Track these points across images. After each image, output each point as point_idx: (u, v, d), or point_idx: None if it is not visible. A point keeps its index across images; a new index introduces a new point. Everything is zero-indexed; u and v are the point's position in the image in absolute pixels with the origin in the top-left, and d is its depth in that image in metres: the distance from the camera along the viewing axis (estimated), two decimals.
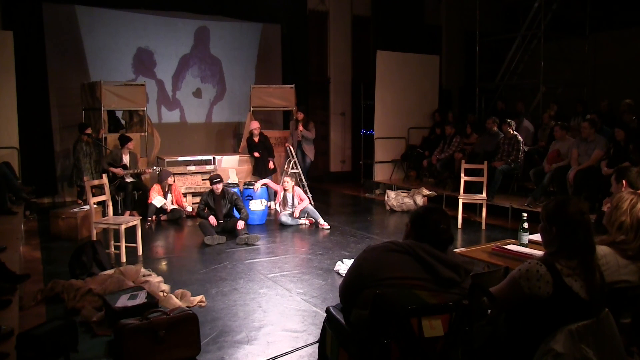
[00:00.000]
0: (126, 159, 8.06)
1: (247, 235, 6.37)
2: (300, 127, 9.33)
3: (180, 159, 9.02)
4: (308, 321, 3.94)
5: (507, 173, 7.75)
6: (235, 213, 6.92)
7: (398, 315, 1.92)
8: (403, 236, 2.37)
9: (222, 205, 6.83)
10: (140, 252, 5.77)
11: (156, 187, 7.73)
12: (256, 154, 8.95)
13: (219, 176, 6.98)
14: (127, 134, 8.42)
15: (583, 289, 2.09)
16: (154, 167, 8.14)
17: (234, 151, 10.29)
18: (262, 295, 4.50)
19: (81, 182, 7.88)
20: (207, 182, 8.64)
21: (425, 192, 8.27)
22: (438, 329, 1.95)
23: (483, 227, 7.04)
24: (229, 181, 8.50)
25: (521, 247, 3.70)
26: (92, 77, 9.25)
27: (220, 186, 6.83)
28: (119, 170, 7.80)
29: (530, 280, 2.10)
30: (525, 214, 3.90)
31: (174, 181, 8.12)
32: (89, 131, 8.22)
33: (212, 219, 6.55)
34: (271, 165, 8.95)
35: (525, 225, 3.83)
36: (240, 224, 6.57)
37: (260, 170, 8.92)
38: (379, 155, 10.29)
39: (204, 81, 10.79)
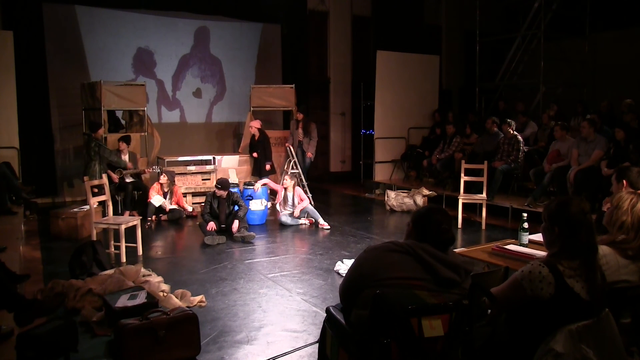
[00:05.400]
0: (125, 158, 8.05)
1: (245, 232, 6.41)
2: (302, 136, 9.30)
3: (180, 159, 9.01)
4: (308, 321, 3.94)
5: (507, 173, 7.75)
6: (236, 208, 6.93)
7: (398, 315, 1.92)
8: (404, 236, 2.37)
9: (225, 207, 6.82)
10: (140, 252, 5.77)
11: (155, 187, 7.73)
12: (254, 155, 8.95)
13: (226, 183, 6.88)
14: (126, 134, 8.41)
15: (584, 289, 2.09)
16: (154, 167, 8.12)
17: (234, 151, 10.29)
18: (262, 295, 4.50)
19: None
20: (207, 182, 8.69)
21: (425, 192, 8.27)
22: (438, 329, 1.95)
23: (483, 227, 7.04)
24: (229, 181, 8.47)
25: (521, 247, 3.70)
26: (92, 77, 9.24)
27: (222, 193, 6.78)
28: (114, 176, 7.77)
29: (533, 282, 2.10)
30: (525, 214, 3.90)
31: (174, 182, 8.11)
32: (101, 131, 8.08)
33: (211, 225, 6.52)
34: (267, 167, 8.87)
35: (525, 225, 3.83)
36: (235, 227, 6.54)
37: (259, 170, 8.91)
38: (379, 155, 10.29)
39: (204, 81, 10.79)
